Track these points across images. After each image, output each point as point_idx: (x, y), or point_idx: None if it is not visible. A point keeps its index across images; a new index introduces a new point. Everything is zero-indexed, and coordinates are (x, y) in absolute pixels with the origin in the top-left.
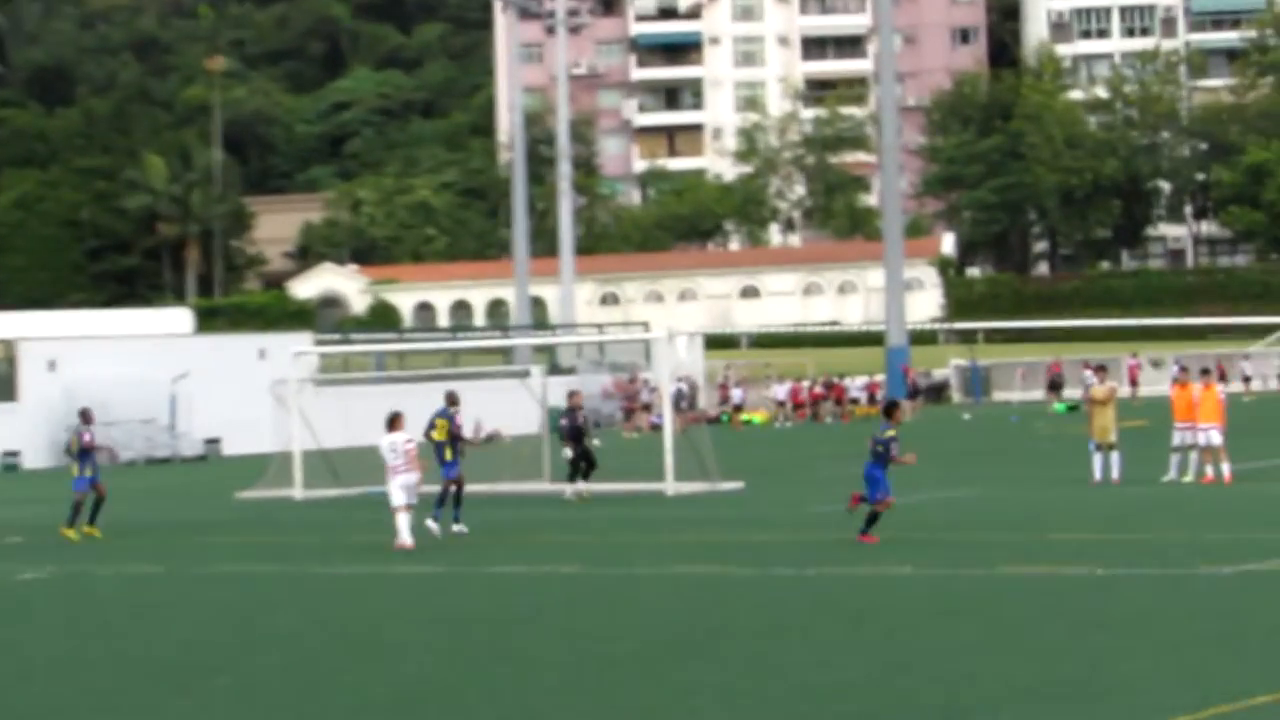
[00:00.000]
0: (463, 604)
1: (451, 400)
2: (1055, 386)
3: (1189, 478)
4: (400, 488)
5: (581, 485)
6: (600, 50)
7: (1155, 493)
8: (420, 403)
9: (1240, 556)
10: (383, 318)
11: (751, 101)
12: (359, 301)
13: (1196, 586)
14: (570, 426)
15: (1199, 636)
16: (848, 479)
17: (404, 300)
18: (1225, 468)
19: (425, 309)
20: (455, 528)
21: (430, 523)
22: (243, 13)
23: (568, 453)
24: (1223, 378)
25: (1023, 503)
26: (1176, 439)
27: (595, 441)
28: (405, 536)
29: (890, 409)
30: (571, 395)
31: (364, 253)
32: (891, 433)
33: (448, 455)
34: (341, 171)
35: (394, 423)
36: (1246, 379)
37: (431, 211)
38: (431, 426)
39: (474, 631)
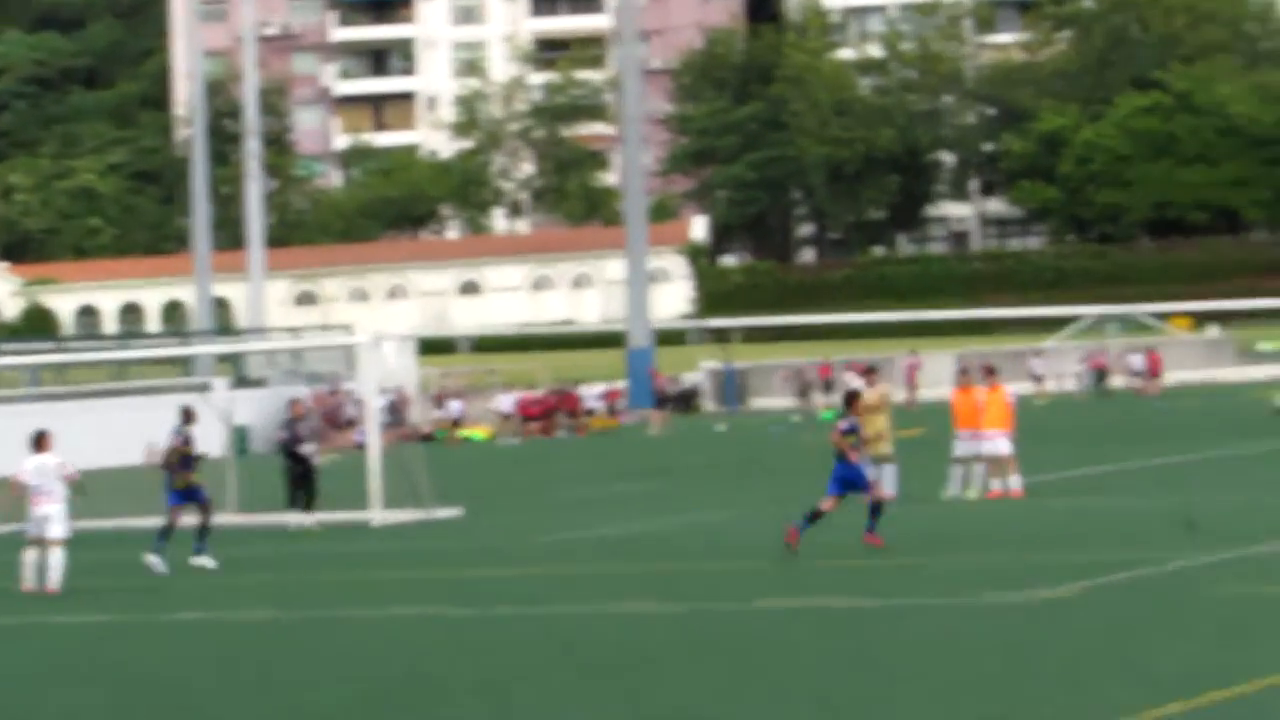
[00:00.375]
0: (132, 658)
1: (187, 417)
2: (803, 392)
3: (973, 493)
4: (48, 518)
5: (305, 517)
6: (295, 7)
7: (935, 510)
8: (83, 423)
9: (1031, 581)
10: (38, 324)
11: (471, 65)
12: (9, 306)
13: (982, 617)
14: (290, 439)
15: (984, 676)
16: (583, 503)
17: (64, 304)
18: (1014, 480)
19: (89, 314)
20: (198, 561)
21: (151, 557)
22: None
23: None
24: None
25: (771, 525)
26: (959, 449)
27: (315, 459)
28: (54, 577)
29: (850, 399)
30: (292, 404)
31: (15, 248)
32: (845, 424)
33: (178, 482)
34: None
35: (40, 442)
36: (1038, 378)
37: (96, 198)
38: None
39: (144, 690)
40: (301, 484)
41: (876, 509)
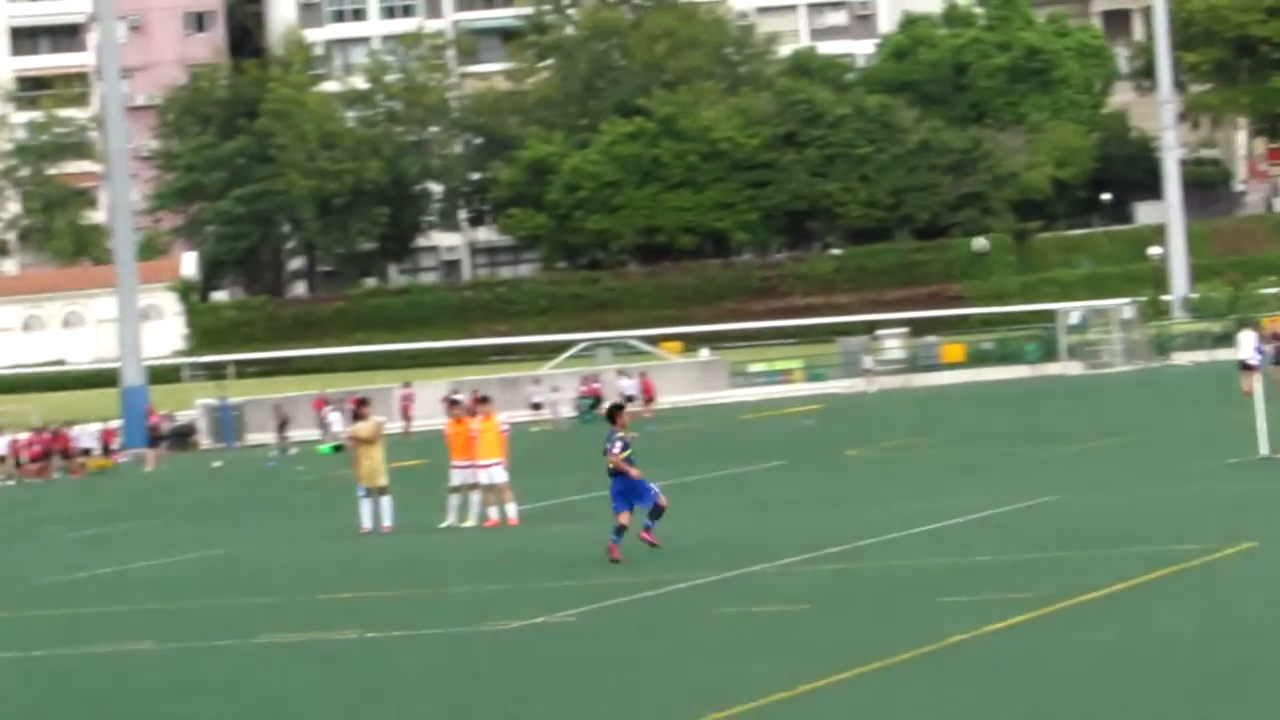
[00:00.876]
0: None
1: None
2: (282, 426)
3: (471, 521)
4: None
5: None
6: None
7: (434, 540)
8: None
9: (529, 609)
10: None
11: None
12: None
13: (482, 645)
14: None
15: (484, 703)
16: (79, 544)
17: None
18: (510, 508)
19: None
20: None
21: None
22: None
23: None
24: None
25: (285, 560)
26: (455, 478)
27: None
28: None
29: (613, 413)
30: None
31: None
32: (621, 435)
33: None
34: None
35: None
36: (535, 406)
37: None
38: None
39: None
40: None
41: (657, 512)
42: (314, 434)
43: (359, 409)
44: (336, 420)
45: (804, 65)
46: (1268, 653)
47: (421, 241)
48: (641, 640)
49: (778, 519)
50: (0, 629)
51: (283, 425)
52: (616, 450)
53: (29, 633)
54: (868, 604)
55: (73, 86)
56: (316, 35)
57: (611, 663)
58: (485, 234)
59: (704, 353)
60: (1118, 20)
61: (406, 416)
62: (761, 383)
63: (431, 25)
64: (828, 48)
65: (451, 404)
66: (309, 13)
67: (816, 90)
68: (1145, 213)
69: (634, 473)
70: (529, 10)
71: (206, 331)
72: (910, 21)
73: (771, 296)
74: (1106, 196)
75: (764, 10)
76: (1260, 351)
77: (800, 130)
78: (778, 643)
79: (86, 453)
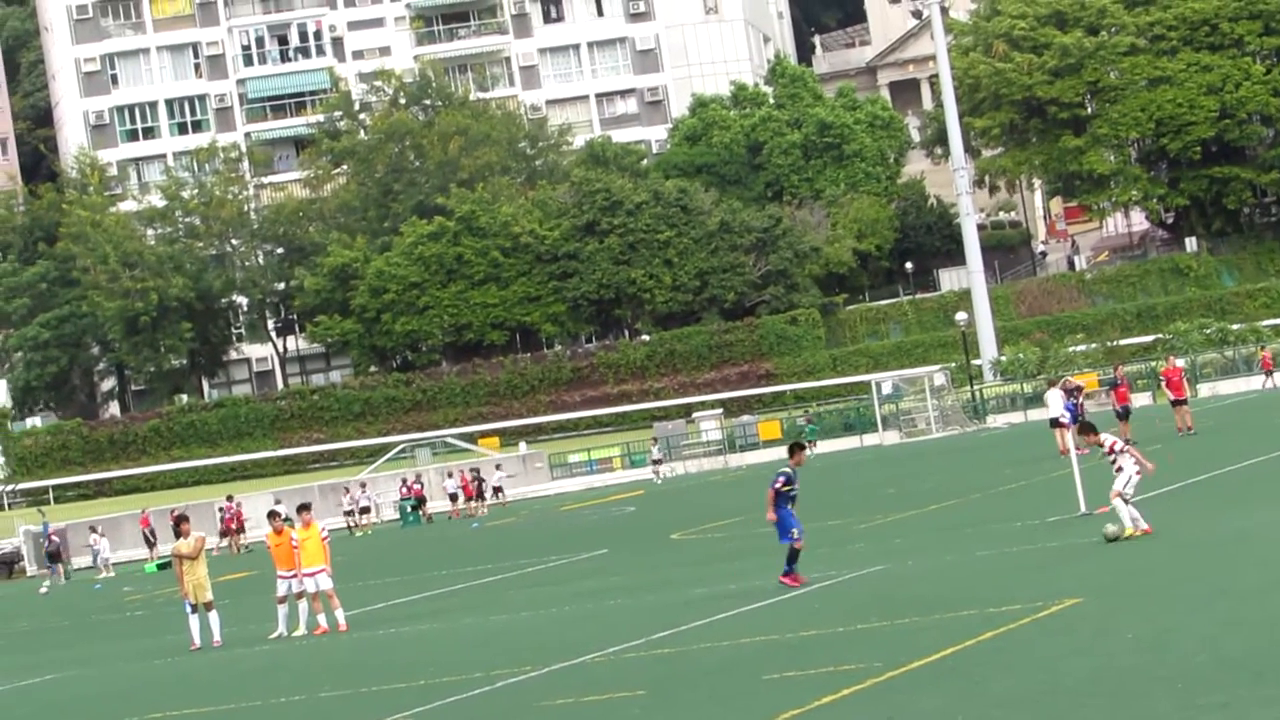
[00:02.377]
0: None
1: None
2: (55, 556)
3: (300, 630)
4: None
5: None
6: None
7: (265, 651)
8: None
9: (363, 714)
10: None
11: None
12: None
13: None
14: None
15: None
16: None
17: None
18: (339, 615)
19: None
20: None
21: None
22: None
23: None
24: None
25: (116, 681)
26: (281, 588)
27: None
28: None
29: (793, 449)
30: None
31: None
32: (787, 470)
33: None
34: None
35: None
36: (361, 510)
37: None
38: None
39: None
40: None
41: (793, 555)
42: (140, 553)
43: (179, 525)
44: (105, 547)
45: (599, 154)
46: (1098, 710)
47: (232, 354)
48: None
49: (605, 607)
50: None
51: (54, 556)
52: (776, 484)
53: None
54: (699, 686)
55: None
56: (110, 155)
57: None
58: (295, 343)
59: (522, 446)
60: (905, 90)
61: (230, 530)
62: (582, 472)
63: (224, 139)
64: (621, 135)
65: (271, 515)
66: (100, 133)
67: (613, 179)
68: (949, 279)
69: (769, 515)
70: (319, 118)
71: (22, 458)
72: (701, 104)
73: (585, 386)
74: (909, 265)
75: (554, 102)
76: (1070, 408)
77: (600, 219)
78: None
79: None
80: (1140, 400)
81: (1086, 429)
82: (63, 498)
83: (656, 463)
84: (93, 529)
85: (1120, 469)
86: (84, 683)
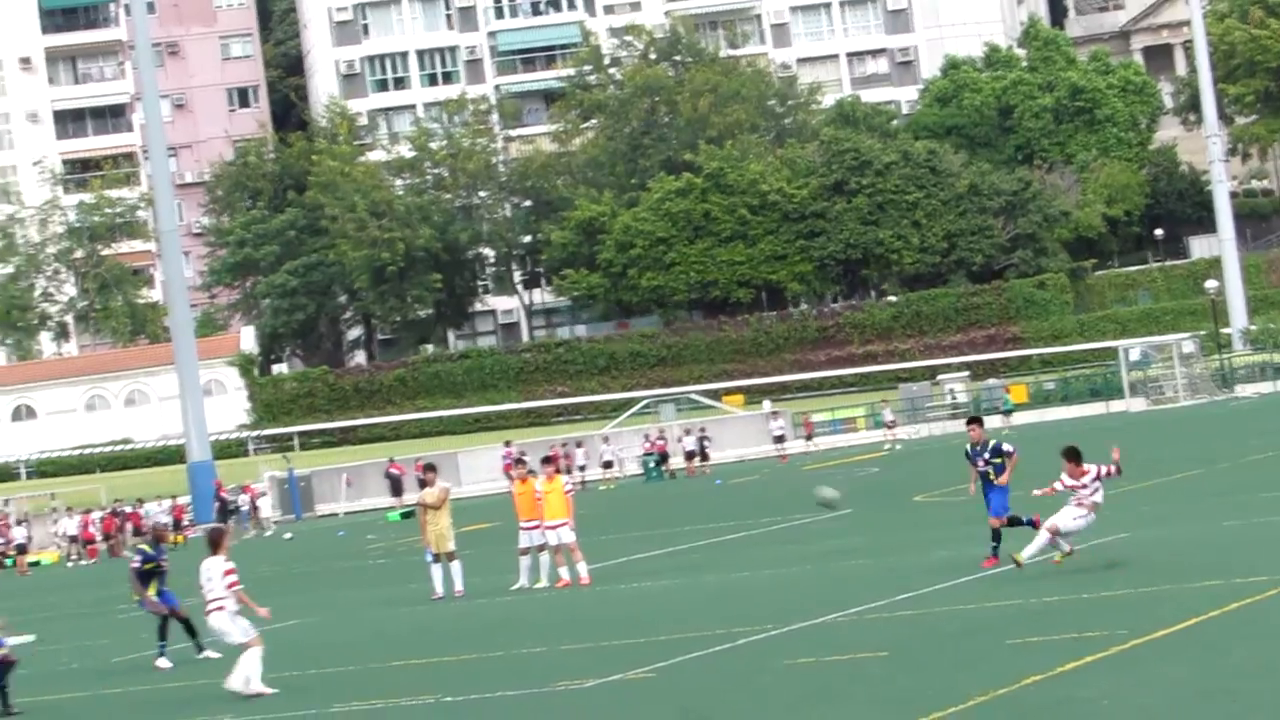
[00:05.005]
0: None
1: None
2: (397, 490)
3: (542, 583)
4: None
5: None
6: None
7: (506, 603)
8: None
9: (603, 668)
10: None
11: (2, 189)
12: None
13: (559, 705)
14: None
15: None
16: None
17: None
18: (581, 568)
19: None
20: None
21: None
22: None
23: None
24: (568, 470)
25: (358, 628)
26: (523, 540)
27: None
28: None
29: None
30: None
31: None
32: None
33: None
34: None
35: None
36: (608, 464)
37: None
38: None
39: None
40: None
41: (994, 533)
42: (384, 501)
43: (425, 475)
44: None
45: (848, 114)
46: None
47: (478, 306)
48: (718, 694)
49: (847, 567)
50: (81, 707)
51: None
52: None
53: (111, 711)
54: (941, 649)
55: (120, 167)
56: (359, 105)
57: (690, 718)
58: (541, 296)
59: (766, 405)
60: (1159, 55)
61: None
62: (826, 432)
63: (474, 91)
64: (870, 96)
65: (518, 464)
66: (351, 83)
67: (862, 139)
68: (1199, 246)
69: (972, 488)
70: (570, 72)
71: (269, 404)
72: (952, 66)
73: (830, 345)
74: (1159, 232)
75: (805, 61)
76: None
77: (848, 179)
78: (854, 692)
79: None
80: None
81: None
82: (307, 445)
83: (890, 425)
84: (398, 466)
85: None
86: (326, 629)
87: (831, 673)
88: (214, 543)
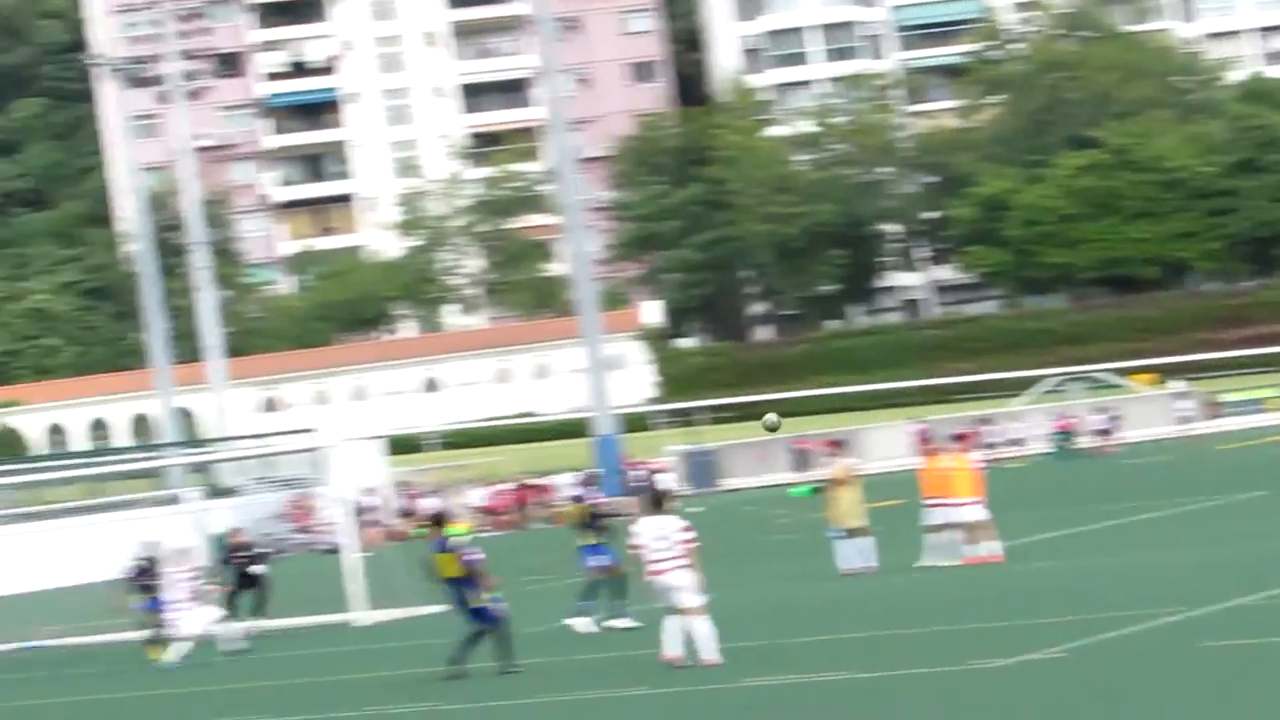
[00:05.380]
0: None
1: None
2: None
3: (951, 560)
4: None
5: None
6: (227, 117)
7: (912, 580)
8: (59, 540)
9: (1018, 645)
10: (7, 446)
11: (407, 165)
12: None
13: (969, 684)
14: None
15: None
16: (560, 592)
17: (31, 424)
18: (992, 546)
19: (57, 432)
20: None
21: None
22: None
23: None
24: (976, 447)
25: (764, 602)
26: (931, 517)
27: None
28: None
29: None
30: (232, 534)
31: None
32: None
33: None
34: None
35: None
36: (1016, 441)
37: (51, 318)
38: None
39: None
40: (246, 589)
41: None
42: (790, 477)
43: (833, 450)
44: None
45: (1257, 90)
46: None
47: (881, 281)
48: (1132, 675)
49: (1260, 549)
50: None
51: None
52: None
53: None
54: None
55: (523, 141)
56: (761, 80)
57: (1104, 699)
58: (945, 272)
59: (1177, 384)
60: None
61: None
62: (1236, 413)
63: (876, 66)
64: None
65: (926, 440)
66: (751, 59)
67: (1272, 115)
68: None
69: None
70: (975, 47)
71: (674, 378)
72: None
73: (1240, 325)
74: None
75: (1212, 36)
76: None
77: (1257, 156)
78: (1275, 678)
79: (578, 499)
80: None
81: None
82: (711, 419)
83: None
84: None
85: None
86: (733, 603)
87: (1251, 656)
88: (657, 502)
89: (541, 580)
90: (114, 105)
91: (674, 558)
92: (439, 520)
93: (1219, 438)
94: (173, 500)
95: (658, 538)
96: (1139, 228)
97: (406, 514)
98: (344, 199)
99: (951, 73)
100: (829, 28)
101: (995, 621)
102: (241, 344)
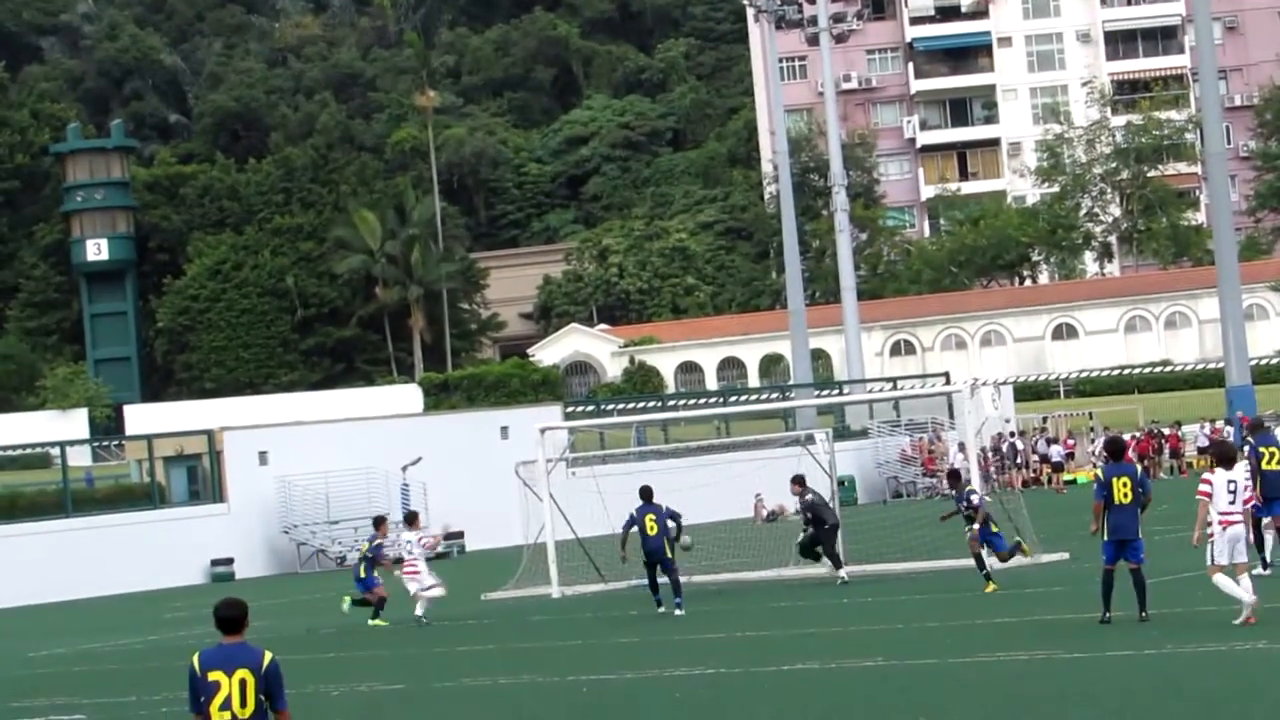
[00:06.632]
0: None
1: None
2: None
3: None
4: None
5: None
6: (873, 60)
7: None
8: (684, 480)
9: None
10: (641, 383)
11: (1052, 110)
12: (612, 366)
13: None
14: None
15: None
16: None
17: (664, 362)
18: None
19: (690, 370)
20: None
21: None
22: (455, 38)
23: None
24: None
25: None
26: None
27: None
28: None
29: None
30: (794, 483)
31: (614, 310)
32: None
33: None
34: (582, 216)
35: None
36: None
37: (689, 257)
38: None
39: None
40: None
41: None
42: None
43: None
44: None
45: None
46: None
47: None
48: None
49: None
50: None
51: None
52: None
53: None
54: None
55: (1169, 88)
56: None
57: None
58: None
59: None
60: None
61: None
62: None
63: None
64: None
65: None
66: None
67: None
68: None
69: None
70: None
71: None
72: None
73: None
74: None
75: None
76: None
77: None
78: None
79: (1205, 451)
80: None
81: None
82: None
83: None
84: None
85: None
86: None
87: None
88: (1228, 457)
89: (1171, 530)
90: (763, 46)
91: (1239, 511)
92: (955, 476)
93: None
94: (806, 440)
95: (1227, 490)
96: None
97: (1042, 459)
98: (988, 144)
99: None
100: None
101: None
102: (876, 286)
